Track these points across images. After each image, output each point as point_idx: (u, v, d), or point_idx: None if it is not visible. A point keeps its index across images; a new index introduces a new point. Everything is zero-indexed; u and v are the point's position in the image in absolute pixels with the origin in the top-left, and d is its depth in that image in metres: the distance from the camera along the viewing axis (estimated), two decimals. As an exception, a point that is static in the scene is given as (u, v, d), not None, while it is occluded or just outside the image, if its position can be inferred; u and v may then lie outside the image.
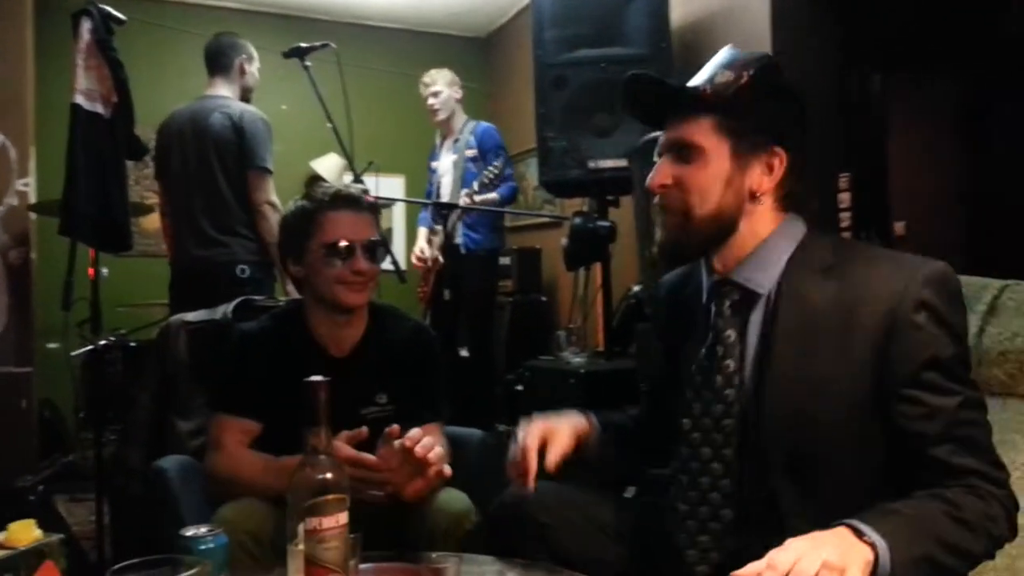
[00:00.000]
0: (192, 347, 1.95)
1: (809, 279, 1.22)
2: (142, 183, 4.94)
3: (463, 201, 3.80)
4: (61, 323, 3.60)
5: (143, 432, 1.97)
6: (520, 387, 3.80)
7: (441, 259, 3.94)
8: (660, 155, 1.30)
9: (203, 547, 1.14)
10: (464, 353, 4.02)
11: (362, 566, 1.25)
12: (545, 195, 4.82)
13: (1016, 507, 1.15)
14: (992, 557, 1.15)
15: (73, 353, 3.57)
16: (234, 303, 2.00)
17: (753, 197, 1.26)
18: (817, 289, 1.21)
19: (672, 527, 1.30)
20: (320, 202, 1.69)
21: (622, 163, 3.18)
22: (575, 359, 3.55)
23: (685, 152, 1.26)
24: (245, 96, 3.23)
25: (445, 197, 4.04)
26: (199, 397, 1.90)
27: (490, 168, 3.76)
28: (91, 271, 2.61)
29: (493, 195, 3.91)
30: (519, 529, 1.38)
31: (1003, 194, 3.00)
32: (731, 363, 1.26)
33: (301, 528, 1.01)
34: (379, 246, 1.72)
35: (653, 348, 1.56)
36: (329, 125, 2.95)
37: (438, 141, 4.24)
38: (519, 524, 1.38)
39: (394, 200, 4.13)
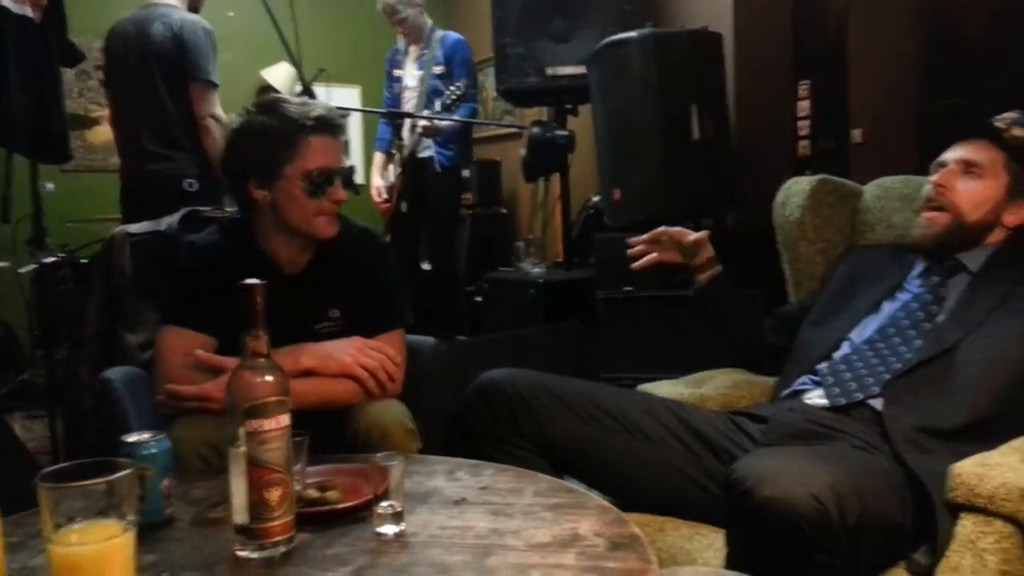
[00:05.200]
0: (137, 259, 1.91)
1: (1005, 262, 1.56)
2: (87, 95, 4.77)
3: (422, 123, 3.68)
4: (9, 240, 3.52)
5: (91, 346, 1.95)
6: (480, 298, 3.82)
7: (403, 178, 3.83)
8: (941, 165, 1.63)
9: (145, 452, 1.14)
10: (426, 266, 4.01)
11: (309, 468, 1.27)
12: (505, 105, 4.74)
13: None
14: None
15: (21, 271, 3.49)
16: (180, 214, 1.96)
17: (1000, 225, 1.60)
18: (1009, 268, 1.54)
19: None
20: (300, 125, 1.58)
21: (580, 70, 3.12)
22: (534, 269, 3.57)
23: (975, 169, 1.59)
24: (194, 5, 3.09)
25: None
26: (146, 310, 1.87)
27: (452, 89, 3.59)
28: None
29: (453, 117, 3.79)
30: (492, 406, 1.49)
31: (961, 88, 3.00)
32: (935, 308, 1.56)
33: (242, 431, 1.01)
34: (353, 172, 1.67)
35: (814, 290, 1.90)
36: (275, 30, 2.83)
37: (401, 46, 4.05)
38: (493, 400, 1.50)
39: (351, 110, 4.00)
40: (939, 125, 1.72)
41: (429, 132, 3.72)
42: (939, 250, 1.62)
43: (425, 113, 3.67)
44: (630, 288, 2.72)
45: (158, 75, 2.90)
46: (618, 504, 1.30)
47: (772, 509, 1.05)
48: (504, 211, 4.85)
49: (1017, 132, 1.60)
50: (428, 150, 3.84)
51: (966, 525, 1.14)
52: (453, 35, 3.92)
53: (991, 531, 1.13)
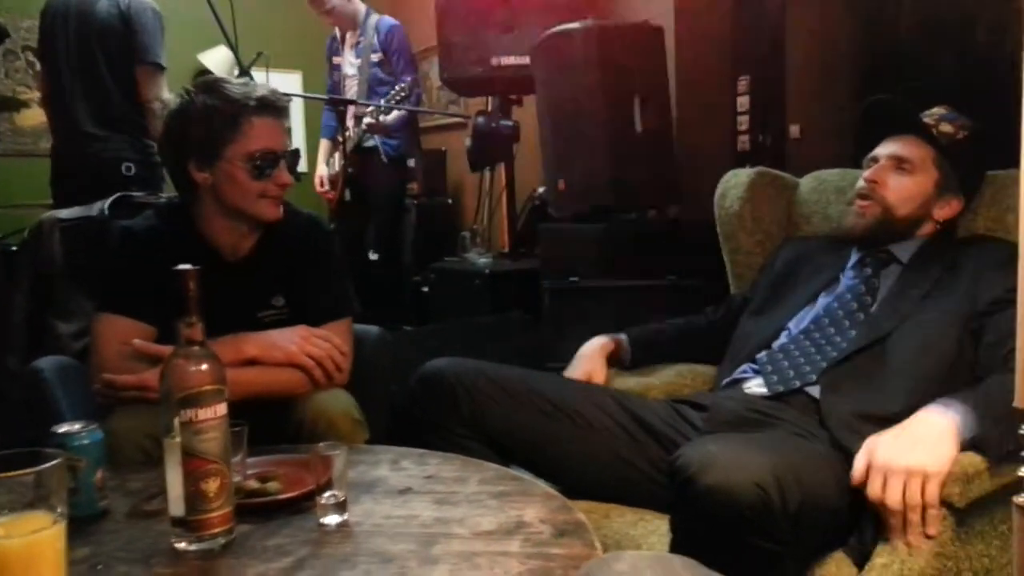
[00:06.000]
0: (67, 245, 1.85)
1: (934, 253, 1.60)
2: (14, 76, 4.58)
3: (366, 121, 3.65)
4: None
5: (20, 335, 1.88)
6: (426, 288, 3.80)
7: (347, 168, 3.79)
8: (873, 160, 1.67)
9: (76, 443, 1.11)
10: (373, 256, 3.97)
11: (251, 459, 1.24)
12: (450, 95, 4.71)
13: None
14: None
15: (-55, 258, 3.34)
16: (111, 199, 1.89)
17: (930, 219, 1.64)
18: (938, 258, 1.58)
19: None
20: (243, 105, 1.54)
21: (525, 60, 3.12)
22: (480, 260, 3.56)
23: (905, 165, 1.63)
24: None
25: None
26: (78, 298, 1.81)
27: (397, 88, 3.56)
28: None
29: (398, 114, 3.75)
30: (435, 396, 1.50)
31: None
32: (868, 298, 1.60)
33: (176, 421, 0.99)
34: (297, 155, 1.64)
35: (755, 280, 1.93)
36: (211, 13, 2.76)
37: (337, 34, 4.02)
38: (434, 392, 1.50)
39: (292, 96, 3.93)
40: (870, 119, 1.75)
41: (375, 129, 3.69)
42: (870, 240, 1.66)
43: (368, 113, 3.63)
44: (575, 279, 2.74)
45: (100, 54, 2.79)
46: (564, 492, 1.31)
47: (714, 497, 1.07)
48: (450, 201, 4.83)
49: (945, 128, 1.65)
50: (373, 140, 3.81)
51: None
52: (388, 20, 3.87)
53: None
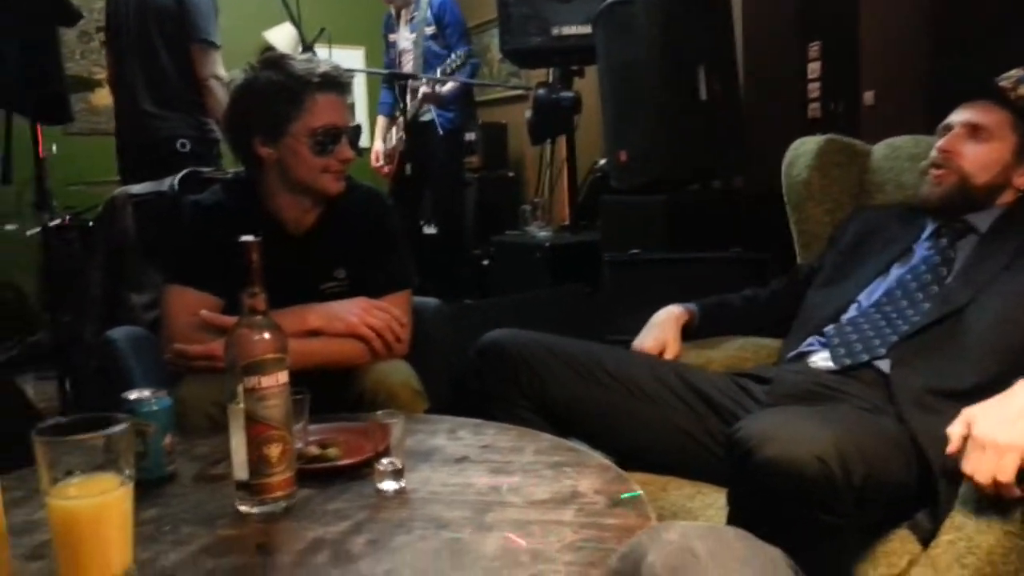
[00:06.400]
0: (139, 220, 1.91)
1: (1015, 223, 1.53)
2: (89, 56, 4.73)
3: (422, 91, 3.68)
4: (14, 204, 3.52)
5: (95, 307, 1.95)
6: (486, 262, 3.81)
7: (403, 140, 3.83)
8: (947, 128, 1.60)
9: (146, 409, 1.15)
10: (431, 230, 4.00)
11: (312, 426, 1.27)
12: (511, 67, 4.69)
13: None
14: None
15: (28, 233, 3.50)
16: (180, 175, 1.94)
17: (1009, 187, 1.56)
18: (1019, 228, 1.51)
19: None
20: (307, 82, 1.57)
21: (586, 29, 3.07)
22: (541, 233, 3.55)
23: (980, 133, 1.55)
24: None
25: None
26: (150, 270, 1.87)
27: (452, 58, 3.58)
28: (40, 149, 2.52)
29: (451, 84, 3.78)
30: (494, 367, 1.50)
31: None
32: (944, 270, 1.54)
33: (240, 387, 1.01)
34: (359, 131, 1.66)
35: (823, 251, 1.87)
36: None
37: (392, 11, 4.05)
38: (496, 364, 1.50)
39: (355, 71, 3.97)
40: (945, 87, 1.68)
41: (430, 99, 3.72)
42: (946, 210, 1.59)
43: (424, 82, 3.65)
44: (636, 251, 2.70)
45: (157, 34, 2.87)
46: (621, 464, 1.30)
47: (774, 470, 1.05)
48: (511, 174, 4.82)
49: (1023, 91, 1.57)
50: (429, 114, 3.83)
51: (970, 485, 1.13)
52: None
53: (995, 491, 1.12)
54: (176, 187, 1.93)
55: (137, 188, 1.96)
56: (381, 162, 4.06)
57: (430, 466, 1.17)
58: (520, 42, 3.27)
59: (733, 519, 1.15)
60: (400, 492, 1.08)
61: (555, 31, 3.19)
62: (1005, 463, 1.07)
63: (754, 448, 1.07)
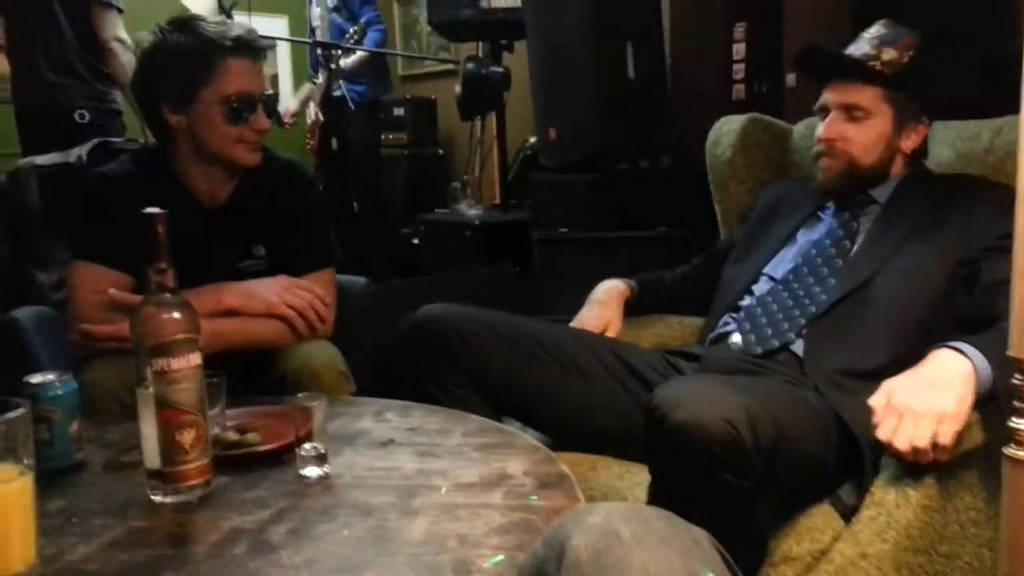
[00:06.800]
0: (44, 192, 1.80)
1: (915, 192, 1.54)
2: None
3: (331, 67, 3.65)
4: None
5: (-3, 285, 1.84)
6: (416, 240, 3.77)
7: (321, 115, 3.78)
8: (823, 110, 1.58)
9: (51, 393, 1.08)
10: (356, 207, 3.94)
11: (230, 410, 1.22)
12: (440, 41, 4.62)
13: None
14: None
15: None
16: (89, 145, 1.84)
17: (900, 155, 1.57)
18: (920, 197, 1.52)
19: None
20: (219, 46, 1.48)
21: (516, 3, 3.04)
22: (471, 211, 3.52)
23: (856, 113, 1.53)
24: None
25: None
26: (57, 246, 1.77)
27: (350, 32, 3.61)
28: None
29: (360, 55, 3.78)
30: (429, 341, 1.46)
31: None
32: (847, 243, 1.55)
33: (149, 371, 0.96)
34: (275, 99, 1.58)
35: (735, 229, 1.91)
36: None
37: None
38: (429, 339, 1.46)
39: (276, 39, 3.88)
40: (809, 70, 1.65)
41: (338, 75, 3.69)
42: (844, 193, 1.60)
43: (339, 46, 3.62)
44: (565, 230, 2.70)
45: None
46: (554, 444, 1.29)
47: (684, 432, 1.06)
48: (440, 152, 4.76)
49: (888, 55, 1.53)
50: (340, 89, 3.78)
51: (891, 461, 1.17)
52: None
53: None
54: (84, 158, 1.83)
55: (42, 159, 1.85)
56: (289, 122, 4.03)
57: (355, 450, 1.14)
58: (449, 15, 3.23)
59: (653, 489, 1.16)
60: (323, 478, 1.05)
61: (484, 4, 3.16)
62: (921, 429, 1.10)
63: (666, 413, 1.08)
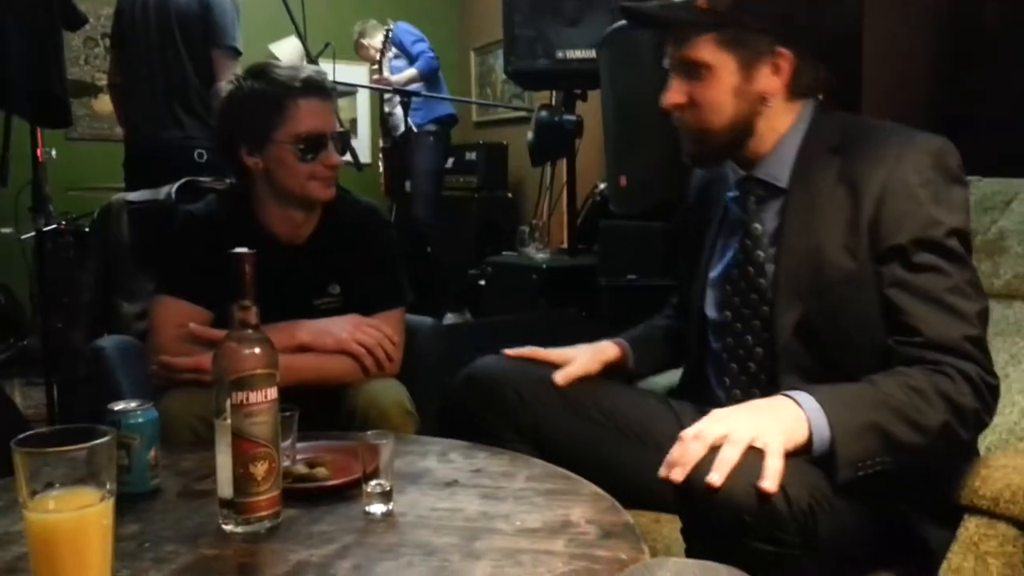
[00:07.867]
0: (134, 228, 1.90)
1: (817, 162, 1.26)
2: (93, 62, 4.73)
3: (373, 80, 4.08)
4: (12, 207, 3.50)
5: (86, 314, 1.93)
6: (483, 281, 3.80)
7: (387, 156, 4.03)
8: (670, 73, 1.32)
9: (131, 421, 1.13)
10: (429, 250, 4.05)
11: (301, 444, 1.25)
12: (514, 89, 4.70)
13: (996, 391, 1.14)
14: (969, 433, 1.13)
15: (22, 237, 3.48)
16: (178, 183, 1.93)
17: (764, 100, 1.27)
18: (823, 169, 1.25)
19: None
20: (288, 87, 1.55)
21: (591, 54, 3.08)
22: (538, 255, 3.53)
23: (694, 70, 1.26)
24: None
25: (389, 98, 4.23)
26: (143, 279, 1.85)
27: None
28: (39, 153, 2.50)
29: (410, 71, 4.18)
30: (483, 399, 1.39)
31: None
32: (760, 253, 1.30)
33: (228, 403, 0.99)
34: (347, 137, 1.64)
35: (681, 253, 1.64)
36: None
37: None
38: (485, 395, 1.39)
39: (354, 86, 4.07)
40: (635, 24, 1.42)
41: (382, 83, 4.13)
42: (711, 161, 1.38)
43: (421, 94, 4.07)
44: (633, 276, 2.69)
45: (180, 38, 2.85)
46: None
47: (710, 501, 0.99)
48: (510, 195, 4.82)
49: None
50: (401, 124, 4.06)
51: (968, 527, 1.11)
52: (398, 25, 4.35)
53: (994, 534, 1.10)
54: (173, 196, 1.92)
55: (133, 195, 1.95)
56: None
57: (419, 489, 1.15)
58: (525, 64, 3.27)
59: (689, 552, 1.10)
60: (388, 515, 1.06)
61: (560, 54, 3.19)
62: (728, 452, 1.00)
63: (692, 481, 1.01)
